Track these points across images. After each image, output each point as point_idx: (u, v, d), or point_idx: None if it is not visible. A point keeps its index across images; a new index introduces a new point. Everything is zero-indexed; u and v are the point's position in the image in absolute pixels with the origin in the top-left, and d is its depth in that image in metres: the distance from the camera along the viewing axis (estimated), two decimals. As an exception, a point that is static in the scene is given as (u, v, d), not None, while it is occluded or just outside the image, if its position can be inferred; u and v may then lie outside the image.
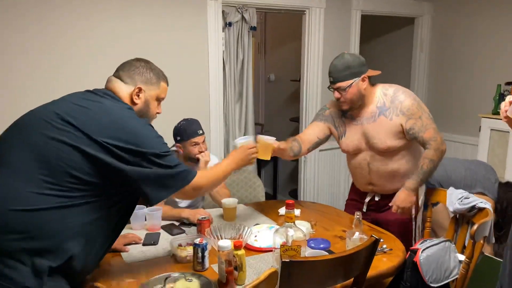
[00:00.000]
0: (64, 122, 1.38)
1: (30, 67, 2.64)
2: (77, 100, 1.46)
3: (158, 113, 1.68)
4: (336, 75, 2.07)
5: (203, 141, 2.41)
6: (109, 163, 1.37)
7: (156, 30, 2.94)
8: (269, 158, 2.09)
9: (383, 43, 4.63)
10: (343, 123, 2.26)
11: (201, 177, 1.58)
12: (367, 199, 2.33)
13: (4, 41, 2.55)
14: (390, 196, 2.21)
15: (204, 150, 2.40)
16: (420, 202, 2.21)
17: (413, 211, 2.20)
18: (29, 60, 2.63)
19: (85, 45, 2.76)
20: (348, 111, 2.20)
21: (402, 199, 2.11)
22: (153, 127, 1.55)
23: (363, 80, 2.08)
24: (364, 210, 2.33)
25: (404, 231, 2.20)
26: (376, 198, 2.30)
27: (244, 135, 3.43)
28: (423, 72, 4.19)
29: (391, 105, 2.10)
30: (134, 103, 1.56)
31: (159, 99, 1.65)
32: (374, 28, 4.53)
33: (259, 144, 2.00)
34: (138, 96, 1.56)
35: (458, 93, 3.96)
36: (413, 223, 2.23)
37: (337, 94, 2.12)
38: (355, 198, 2.43)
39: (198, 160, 2.39)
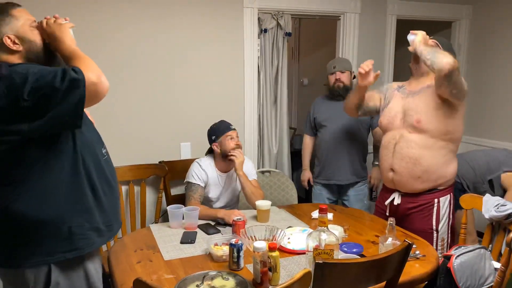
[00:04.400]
0: None
1: None
2: None
3: (44, 38, 1.50)
4: (436, 38, 2.30)
5: (237, 136, 2.52)
6: None
7: (193, 36, 3.04)
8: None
9: (419, 47, 4.57)
10: (392, 95, 2.38)
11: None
12: (387, 201, 2.35)
13: None
14: (410, 196, 2.25)
15: (239, 143, 2.50)
16: (442, 213, 2.21)
17: (434, 223, 2.21)
18: None
19: (123, 52, 2.89)
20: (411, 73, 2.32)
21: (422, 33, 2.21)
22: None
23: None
24: (387, 213, 2.36)
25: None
26: (396, 202, 2.31)
27: (278, 140, 3.48)
28: (460, 77, 4.11)
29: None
30: (17, 52, 1.44)
31: (32, 25, 1.48)
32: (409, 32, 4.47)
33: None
34: (15, 42, 1.42)
35: (497, 98, 3.87)
36: (435, 234, 2.23)
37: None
38: (380, 203, 2.47)
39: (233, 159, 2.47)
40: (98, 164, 1.55)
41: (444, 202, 2.24)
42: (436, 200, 2.23)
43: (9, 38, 1.41)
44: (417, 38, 2.19)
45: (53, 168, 1.42)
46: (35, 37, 1.47)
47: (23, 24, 1.44)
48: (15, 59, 1.43)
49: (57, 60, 1.52)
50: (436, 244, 2.24)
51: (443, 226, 2.24)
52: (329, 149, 2.98)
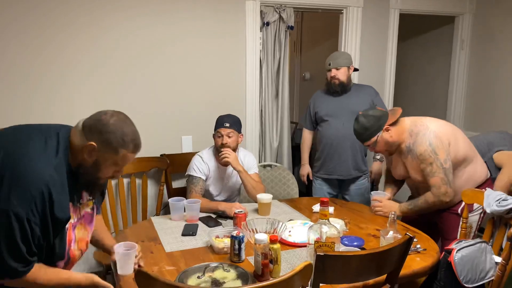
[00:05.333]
0: None
1: (30, 70, 2.66)
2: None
3: (110, 177, 1.49)
4: (360, 138, 2.28)
5: (228, 134, 2.45)
6: None
7: (195, 29, 3.03)
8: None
9: (421, 42, 4.55)
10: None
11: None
12: None
13: (4, 48, 2.58)
14: None
15: (224, 142, 2.44)
16: (475, 205, 2.22)
17: (460, 209, 2.24)
18: (33, 73, 2.66)
19: (124, 46, 2.88)
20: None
21: (388, 206, 2.31)
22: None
23: (386, 130, 2.20)
24: None
25: (453, 226, 2.25)
26: None
27: (279, 134, 3.48)
28: (463, 72, 4.10)
29: (412, 147, 2.19)
30: (84, 159, 1.38)
31: (117, 165, 1.43)
32: (412, 26, 4.46)
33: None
34: (90, 153, 1.37)
35: (499, 93, 3.85)
36: (461, 219, 2.24)
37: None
38: None
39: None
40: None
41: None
42: None
43: (93, 148, 1.36)
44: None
45: None
46: (103, 172, 1.42)
47: (111, 159, 1.40)
48: (75, 151, 1.39)
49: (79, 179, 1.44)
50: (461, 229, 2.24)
51: (474, 216, 2.24)
52: (331, 144, 2.97)
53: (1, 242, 1.26)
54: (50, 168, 1.33)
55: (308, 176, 3.17)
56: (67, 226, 1.41)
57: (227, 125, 2.46)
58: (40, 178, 1.29)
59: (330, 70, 2.93)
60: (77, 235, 1.50)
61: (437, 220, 2.31)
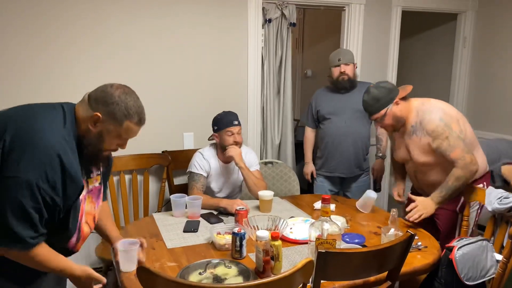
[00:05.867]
0: None
1: (27, 66, 2.65)
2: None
3: (113, 150, 1.50)
4: (369, 110, 2.24)
5: (238, 132, 2.47)
6: None
7: (197, 25, 3.02)
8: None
9: (423, 39, 4.54)
10: (394, 134, 2.39)
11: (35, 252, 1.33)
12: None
13: (6, 45, 2.58)
14: None
15: (238, 140, 2.46)
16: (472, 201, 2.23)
17: (459, 205, 2.24)
18: (27, 59, 2.65)
19: (125, 42, 2.88)
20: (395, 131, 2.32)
21: (425, 205, 2.12)
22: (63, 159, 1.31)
23: (396, 104, 2.18)
24: None
25: (451, 223, 2.26)
26: None
27: (281, 131, 3.48)
28: (465, 69, 4.09)
29: (419, 126, 2.16)
30: (89, 129, 1.40)
31: (120, 137, 1.45)
32: (414, 24, 4.45)
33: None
34: (95, 124, 1.39)
35: (501, 91, 3.85)
36: (459, 216, 2.25)
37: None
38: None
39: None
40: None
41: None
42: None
43: (97, 118, 1.38)
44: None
45: None
46: (106, 143, 1.43)
47: (115, 131, 1.41)
48: (80, 123, 1.41)
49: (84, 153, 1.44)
50: (460, 226, 2.25)
51: (472, 212, 2.25)
52: (333, 142, 2.98)
53: (11, 211, 1.25)
54: (59, 137, 1.33)
55: (311, 174, 3.17)
56: (80, 197, 1.41)
57: (236, 123, 2.48)
58: (50, 146, 1.29)
59: (339, 66, 2.91)
60: (85, 208, 1.50)
61: (435, 218, 2.31)
